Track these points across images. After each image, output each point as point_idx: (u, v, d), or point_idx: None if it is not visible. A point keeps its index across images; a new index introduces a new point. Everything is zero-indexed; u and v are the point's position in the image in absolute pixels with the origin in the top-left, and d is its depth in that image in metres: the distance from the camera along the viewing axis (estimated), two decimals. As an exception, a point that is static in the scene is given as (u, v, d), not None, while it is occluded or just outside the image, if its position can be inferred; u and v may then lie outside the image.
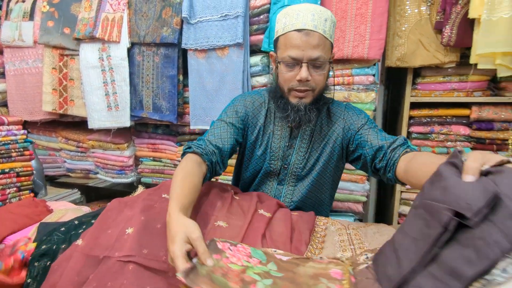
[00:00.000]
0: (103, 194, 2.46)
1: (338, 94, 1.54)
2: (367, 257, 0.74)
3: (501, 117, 1.49)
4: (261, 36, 1.61)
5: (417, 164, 0.80)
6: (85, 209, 1.31)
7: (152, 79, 1.82)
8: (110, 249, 0.80)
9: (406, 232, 0.61)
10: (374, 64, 1.52)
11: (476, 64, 1.37)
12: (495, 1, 1.26)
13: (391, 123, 1.97)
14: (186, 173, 0.88)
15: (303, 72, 0.94)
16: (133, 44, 1.81)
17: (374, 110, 1.53)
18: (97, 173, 2.22)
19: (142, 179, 2.13)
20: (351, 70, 1.52)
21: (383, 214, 2.02)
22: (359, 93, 1.51)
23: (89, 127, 1.96)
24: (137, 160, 2.12)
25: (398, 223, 1.72)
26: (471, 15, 1.32)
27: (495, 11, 1.26)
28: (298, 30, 0.93)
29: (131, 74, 1.83)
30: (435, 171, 0.60)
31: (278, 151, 1.10)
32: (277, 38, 1.00)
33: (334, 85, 1.37)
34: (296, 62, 0.95)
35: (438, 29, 1.42)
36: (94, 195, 2.45)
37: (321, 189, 1.14)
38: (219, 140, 1.03)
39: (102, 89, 1.88)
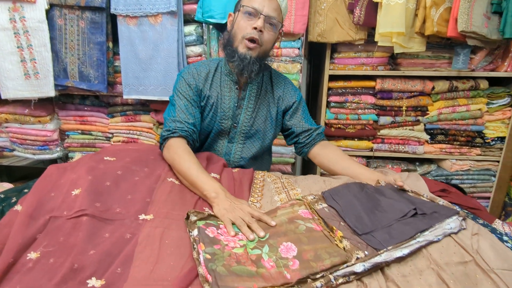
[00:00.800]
0: (23, 173, 2.25)
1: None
2: (314, 198, 0.89)
3: (397, 87, 1.81)
4: (194, 6, 1.64)
5: (326, 153, 1.23)
6: (6, 185, 1.23)
7: (77, 45, 1.71)
8: (56, 209, 0.80)
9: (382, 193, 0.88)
10: (299, 38, 1.69)
11: (378, 42, 1.64)
12: (393, -12, 1.51)
13: (313, 93, 2.21)
14: (192, 157, 1.02)
15: (260, 22, 1.06)
16: (52, 6, 1.67)
17: (299, 80, 1.72)
18: (13, 150, 2.02)
19: (70, 154, 2.02)
20: (279, 43, 1.67)
21: (308, 173, 2.29)
22: (286, 65, 1.68)
23: (2, 97, 1.76)
24: (63, 134, 1.99)
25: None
26: (376, -1, 1.57)
27: (393, -3, 1.52)
28: None
29: (51, 39, 1.69)
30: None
31: (228, 111, 1.20)
32: None
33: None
34: (255, 13, 1.07)
35: (350, 9, 1.65)
36: (10, 174, 2.23)
37: (266, 146, 1.30)
38: (190, 116, 1.13)
39: (17, 54, 1.70)
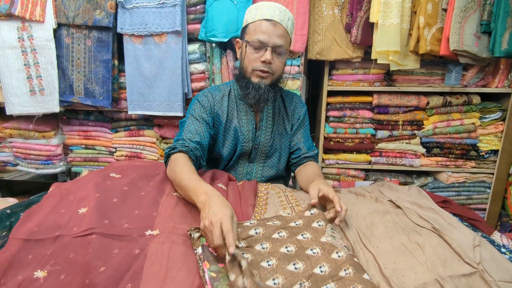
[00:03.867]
0: (24, 188, 2.25)
1: (269, 81, 1.74)
2: (313, 213, 0.91)
3: (393, 103, 1.88)
4: (198, 26, 1.71)
5: (303, 173, 1.25)
6: (12, 201, 1.24)
7: (84, 63, 1.76)
8: (63, 228, 0.81)
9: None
10: (299, 57, 1.76)
11: (375, 60, 1.71)
12: (387, 10, 1.59)
13: (312, 109, 2.27)
14: (189, 167, 0.99)
15: (268, 55, 1.09)
16: (60, 25, 1.72)
17: (300, 97, 1.78)
18: (16, 164, 2.04)
19: (73, 169, 2.04)
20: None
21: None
22: (284, 81, 1.74)
23: (8, 113, 1.80)
24: (67, 148, 2.02)
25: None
26: (371, 19, 1.64)
27: (388, 18, 1.60)
28: (267, 20, 1.10)
29: (58, 56, 1.74)
30: None
31: (247, 134, 1.23)
32: (247, 25, 1.15)
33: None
34: (262, 46, 1.10)
35: (348, 29, 1.73)
36: (11, 189, 2.23)
37: (284, 163, 1.33)
38: (197, 135, 1.13)
39: (23, 71, 1.75)
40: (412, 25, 1.65)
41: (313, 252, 0.74)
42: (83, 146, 1.99)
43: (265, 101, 1.14)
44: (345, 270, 0.69)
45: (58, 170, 2.00)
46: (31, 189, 2.21)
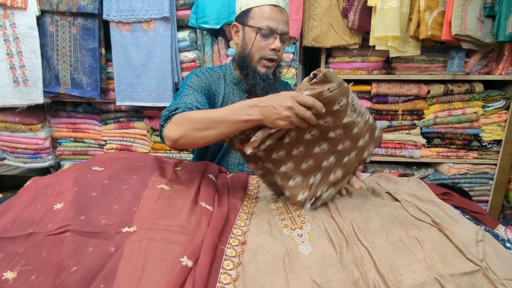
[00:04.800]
0: (14, 183, 2.20)
1: (263, 70, 1.66)
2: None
3: (393, 91, 1.81)
4: (188, 12, 1.63)
5: None
6: None
7: (69, 52, 1.69)
8: (37, 225, 0.76)
9: None
10: (294, 43, 1.68)
11: (374, 46, 1.64)
12: (386, -8, 1.51)
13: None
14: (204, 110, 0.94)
15: (277, 42, 1.03)
16: (43, 12, 1.65)
17: (295, 85, 1.71)
18: (3, 158, 1.98)
19: (62, 162, 1.98)
20: (273, 48, 1.66)
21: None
22: (282, 69, 1.66)
23: (-9, 105, 1.73)
24: (55, 142, 1.96)
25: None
26: (369, 3, 1.56)
27: (387, 1, 1.52)
28: (274, 5, 1.04)
29: (42, 45, 1.66)
30: None
31: None
32: (250, 9, 1.06)
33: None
34: (271, 33, 1.03)
35: (344, 14, 1.65)
36: (1, 184, 2.17)
37: None
38: (197, 103, 1.01)
39: (6, 61, 1.68)
40: (412, 9, 1.57)
41: (335, 134, 0.79)
42: (72, 139, 1.93)
43: (272, 91, 1.07)
44: (363, 138, 0.81)
45: (46, 164, 1.94)
46: (21, 183, 2.15)
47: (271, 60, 1.07)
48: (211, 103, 1.14)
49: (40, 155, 1.93)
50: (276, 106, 0.73)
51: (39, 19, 1.64)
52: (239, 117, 0.78)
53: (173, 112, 0.95)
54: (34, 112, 1.86)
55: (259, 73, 1.07)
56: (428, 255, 0.66)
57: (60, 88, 1.73)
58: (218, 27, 1.59)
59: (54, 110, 1.90)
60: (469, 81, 1.79)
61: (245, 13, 1.09)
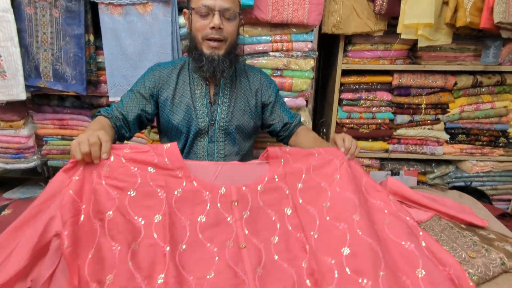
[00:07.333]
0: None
1: (277, 61, 1.47)
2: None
3: (416, 83, 1.64)
4: (190, -8, 1.39)
5: (298, 142, 1.22)
6: None
7: (50, 39, 1.45)
8: None
9: None
10: (312, 30, 1.48)
11: (400, 34, 1.45)
12: (422, -28, 1.31)
13: (322, 90, 2.02)
14: (98, 123, 1.03)
15: (216, 19, 1.02)
16: (18, -9, 1.38)
17: (312, 78, 1.52)
18: (-18, 159, 1.76)
19: (49, 162, 1.78)
20: (290, 35, 1.45)
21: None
22: (298, 60, 1.47)
23: (-37, 101, 1.49)
24: (40, 139, 1.74)
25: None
26: (401, -16, 1.36)
27: (422, -18, 1.32)
28: None
29: (19, 31, 1.41)
30: None
31: (201, 108, 1.15)
32: None
33: (275, 51, 1.50)
34: (208, 11, 1.02)
35: (371, -3, 1.44)
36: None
37: (248, 141, 1.25)
38: (124, 108, 1.13)
39: (-23, 51, 1.42)
40: (449, -8, 1.38)
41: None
42: (59, 136, 1.72)
43: (221, 72, 1.08)
44: None
45: (32, 164, 1.74)
46: (5, 183, 1.95)
47: (214, 40, 1.05)
48: (162, 99, 1.17)
49: (23, 154, 1.72)
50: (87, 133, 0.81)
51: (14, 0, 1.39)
52: None
53: (97, 114, 1.12)
54: (15, 107, 1.63)
55: (205, 54, 1.06)
56: None
57: (41, 81, 1.50)
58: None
59: (37, 105, 1.67)
60: (500, 72, 1.64)
61: None
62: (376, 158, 1.81)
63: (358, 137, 1.75)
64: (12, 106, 1.61)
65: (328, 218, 0.79)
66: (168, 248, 0.66)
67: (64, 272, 0.63)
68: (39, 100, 1.67)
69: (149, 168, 0.78)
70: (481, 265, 0.73)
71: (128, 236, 0.67)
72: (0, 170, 1.88)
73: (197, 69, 1.12)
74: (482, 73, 1.64)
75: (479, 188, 1.75)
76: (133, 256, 0.65)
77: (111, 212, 0.69)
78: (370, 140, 1.76)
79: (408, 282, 0.67)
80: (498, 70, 1.62)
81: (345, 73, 1.67)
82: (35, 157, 1.74)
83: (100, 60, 1.52)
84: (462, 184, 1.77)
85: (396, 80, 1.65)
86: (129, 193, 0.73)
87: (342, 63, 1.64)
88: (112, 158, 0.78)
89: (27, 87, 1.49)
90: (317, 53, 1.50)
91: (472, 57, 1.60)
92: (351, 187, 0.83)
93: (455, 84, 1.63)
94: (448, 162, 1.83)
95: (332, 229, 0.76)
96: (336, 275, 0.67)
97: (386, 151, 1.78)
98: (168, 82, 1.16)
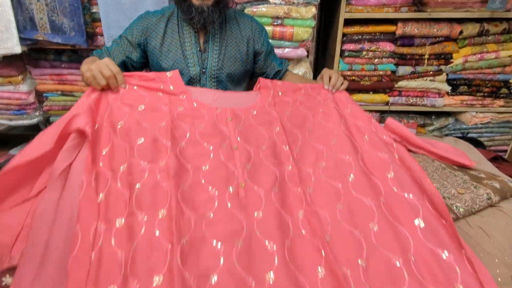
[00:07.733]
0: (3, 139, 2.02)
1: (278, 8, 1.42)
2: None
3: (421, 32, 1.60)
4: None
5: (289, 80, 1.29)
6: None
7: (42, -12, 1.39)
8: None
9: None
10: (313, -25, 1.41)
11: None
12: None
13: (323, 42, 1.97)
14: (95, 60, 0.98)
15: None
16: None
17: (313, 27, 1.48)
18: (-16, 116, 1.77)
19: (52, 119, 1.80)
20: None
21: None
22: (299, 8, 1.42)
23: (-42, 55, 1.47)
24: (41, 96, 1.74)
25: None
26: None
27: None
28: None
29: (8, -21, 1.36)
30: None
31: (192, 57, 1.15)
32: None
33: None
34: None
35: None
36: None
37: (239, 86, 1.26)
38: (111, 53, 1.15)
39: (-33, 1, 1.38)
40: None
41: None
42: (59, 92, 1.72)
43: (211, 23, 1.07)
44: None
45: (35, 120, 1.76)
46: (9, 141, 1.98)
47: None
48: (150, 48, 1.16)
49: (26, 111, 1.73)
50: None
51: None
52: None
53: (95, 55, 1.15)
54: (12, 62, 1.61)
55: (194, 5, 1.04)
56: None
57: (38, 33, 1.46)
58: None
59: (34, 60, 1.65)
60: (508, 20, 1.58)
61: None
62: (376, 111, 1.82)
63: (359, 90, 1.75)
64: (10, 61, 1.59)
65: (309, 139, 0.94)
66: (169, 144, 0.79)
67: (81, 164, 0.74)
68: (36, 55, 1.64)
69: (157, 93, 0.92)
70: (468, 199, 0.77)
71: (135, 137, 0.81)
72: (4, 127, 1.91)
73: (187, 21, 1.12)
74: (489, 20, 1.59)
75: (478, 139, 1.78)
76: (139, 149, 0.80)
77: (122, 122, 0.84)
78: (371, 92, 1.76)
79: (378, 182, 0.80)
80: (506, 17, 1.57)
81: (348, 23, 1.62)
82: (37, 113, 1.75)
83: (94, 10, 1.47)
84: (460, 135, 1.80)
85: (400, 29, 1.60)
86: (139, 108, 0.87)
87: (345, 12, 1.59)
88: (127, 87, 0.91)
89: (24, 40, 1.47)
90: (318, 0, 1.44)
91: (480, 3, 1.54)
92: (333, 118, 0.97)
93: (461, 32, 1.59)
94: (447, 114, 1.83)
95: (312, 146, 0.92)
96: (313, 179, 0.82)
97: (387, 103, 1.78)
98: (156, 31, 1.15)
